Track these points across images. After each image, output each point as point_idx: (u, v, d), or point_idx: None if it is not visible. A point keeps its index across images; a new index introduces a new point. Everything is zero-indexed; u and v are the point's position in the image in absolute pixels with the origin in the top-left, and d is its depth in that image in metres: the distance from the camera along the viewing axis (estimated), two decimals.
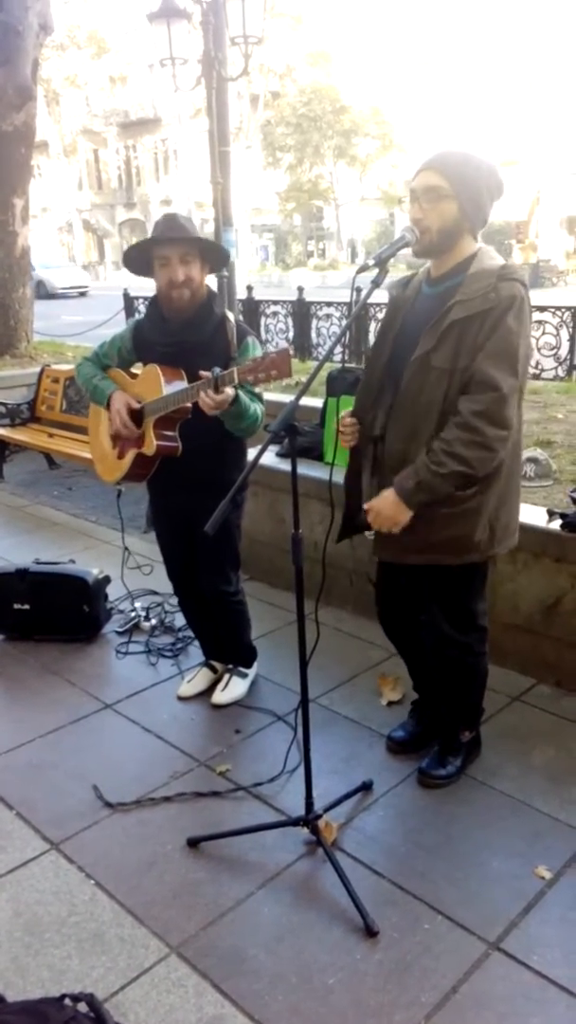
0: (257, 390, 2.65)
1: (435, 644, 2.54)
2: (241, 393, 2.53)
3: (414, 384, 2.19)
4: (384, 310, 2.47)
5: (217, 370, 2.41)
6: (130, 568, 4.04)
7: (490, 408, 2.09)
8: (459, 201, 2.10)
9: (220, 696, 3.13)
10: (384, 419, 2.33)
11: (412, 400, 2.20)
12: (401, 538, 2.27)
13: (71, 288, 27.80)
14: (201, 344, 2.68)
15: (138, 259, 2.73)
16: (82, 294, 27.23)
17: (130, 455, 2.82)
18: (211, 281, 2.93)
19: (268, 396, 4.92)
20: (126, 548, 3.95)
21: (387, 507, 2.22)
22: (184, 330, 2.70)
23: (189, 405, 2.57)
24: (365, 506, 2.30)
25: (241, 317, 7.36)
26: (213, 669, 3.28)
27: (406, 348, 2.26)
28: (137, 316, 3.04)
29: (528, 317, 2.14)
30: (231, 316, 2.76)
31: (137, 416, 2.76)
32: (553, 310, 6.66)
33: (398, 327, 2.32)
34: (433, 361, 2.14)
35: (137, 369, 2.86)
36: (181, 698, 3.19)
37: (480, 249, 2.20)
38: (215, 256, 2.75)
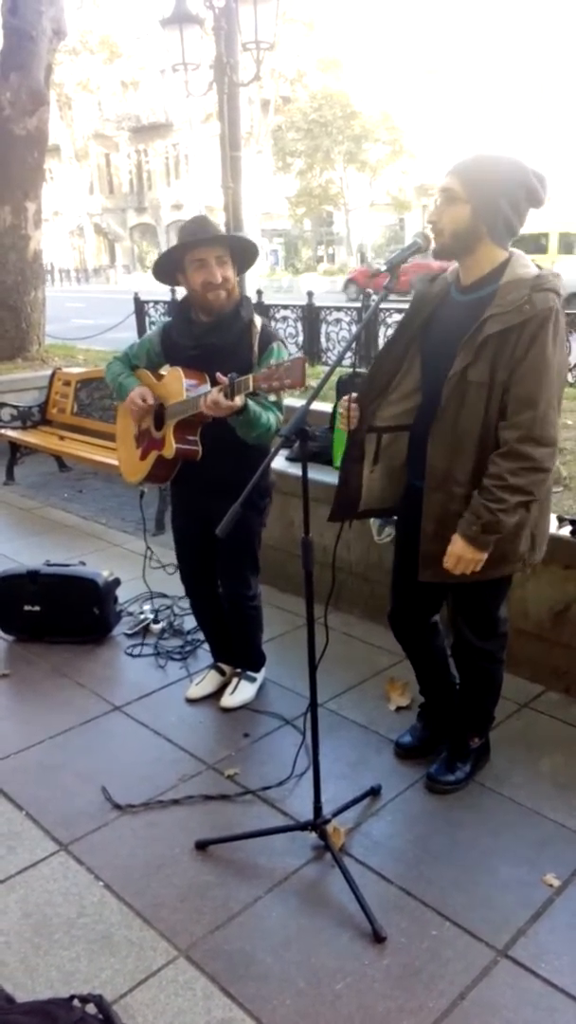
0: (273, 398, 2.65)
1: (457, 651, 2.54)
2: (251, 403, 2.52)
3: (454, 401, 2.14)
4: (393, 314, 2.47)
5: (235, 375, 2.42)
6: (154, 568, 4.04)
7: (532, 430, 2.06)
8: (472, 205, 2.07)
9: (229, 699, 3.13)
10: (391, 416, 2.34)
11: (453, 417, 2.16)
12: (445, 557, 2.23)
13: None
14: (227, 348, 2.68)
15: (168, 266, 2.73)
16: None
17: (151, 457, 2.84)
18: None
19: None
20: (148, 548, 3.95)
21: (466, 553, 2.16)
22: (210, 333, 2.71)
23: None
24: (446, 564, 2.21)
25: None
26: (221, 672, 3.28)
27: (433, 354, 2.25)
28: (166, 319, 3.05)
29: (563, 327, 2.09)
30: (258, 321, 2.75)
31: (159, 418, 2.77)
32: None
33: (420, 327, 2.29)
34: (470, 376, 2.10)
35: (165, 371, 2.88)
36: (189, 700, 3.20)
37: (512, 257, 2.14)
38: (244, 256, 2.75)
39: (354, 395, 2.38)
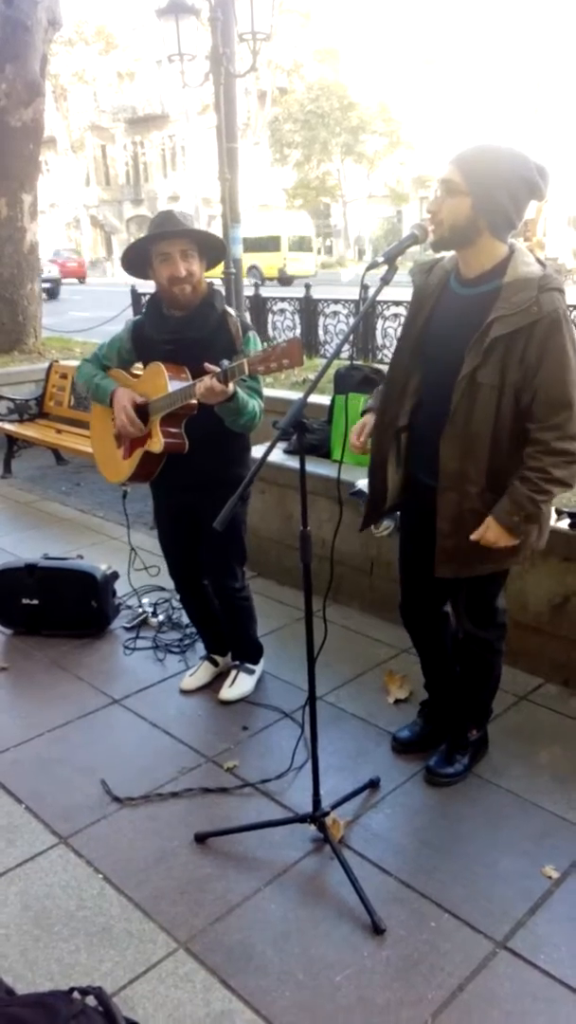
0: (258, 386, 2.65)
1: (457, 642, 2.55)
2: (239, 389, 2.53)
3: (464, 403, 2.14)
4: (391, 307, 2.48)
5: (225, 363, 2.41)
6: (136, 569, 4.04)
7: (569, 428, 2.08)
8: (472, 198, 2.06)
9: (227, 692, 3.14)
10: (410, 411, 2.35)
11: (464, 420, 2.15)
12: (466, 553, 2.26)
13: None
14: (202, 340, 2.67)
15: (136, 260, 2.72)
16: None
17: (137, 454, 2.82)
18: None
19: (276, 393, 4.95)
20: (132, 548, 3.95)
21: (501, 540, 2.18)
22: (185, 327, 2.70)
23: (195, 401, 2.57)
24: (476, 537, 2.21)
25: (248, 314, 7.37)
26: (214, 663, 3.29)
27: (435, 350, 2.24)
28: (136, 316, 3.03)
29: (571, 323, 2.11)
30: (232, 311, 2.76)
31: (142, 414, 2.76)
32: None
33: (423, 323, 2.29)
34: (480, 378, 2.10)
35: (138, 369, 2.86)
36: (183, 691, 3.21)
37: (514, 253, 2.14)
38: (212, 249, 2.74)
39: (368, 406, 2.40)
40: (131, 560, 3.97)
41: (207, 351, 2.59)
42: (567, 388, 2.07)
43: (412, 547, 2.55)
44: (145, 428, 2.75)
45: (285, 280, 21.83)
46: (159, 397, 2.68)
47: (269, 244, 23.47)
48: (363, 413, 2.53)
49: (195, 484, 2.81)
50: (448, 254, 2.28)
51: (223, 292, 2.98)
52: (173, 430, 2.71)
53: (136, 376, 2.85)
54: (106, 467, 3.05)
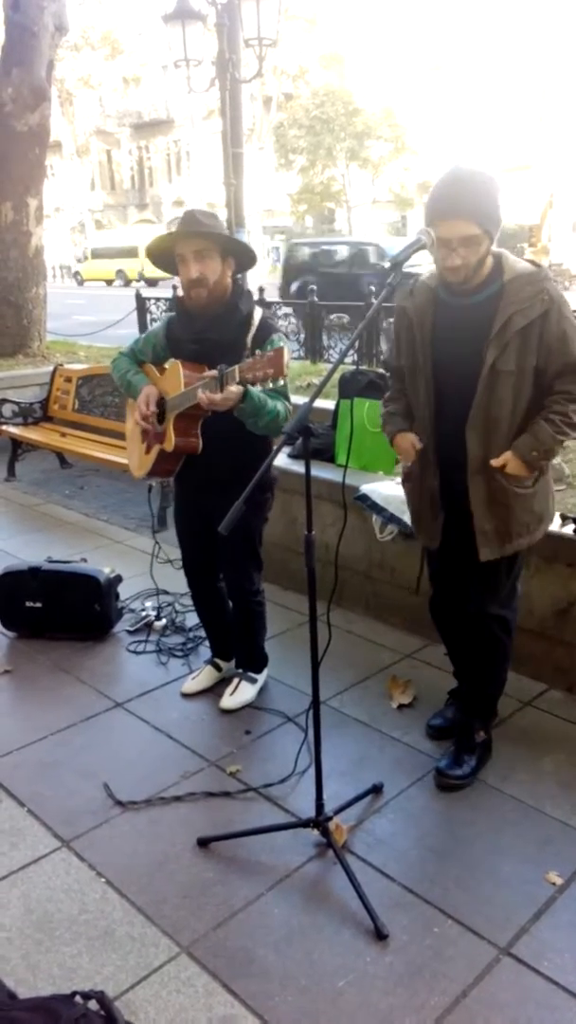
0: (281, 384, 2.61)
1: (474, 623, 2.60)
2: (254, 392, 2.51)
3: (486, 392, 2.30)
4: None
5: (223, 367, 2.41)
6: (159, 563, 4.04)
7: None
8: (490, 236, 2.22)
9: (228, 701, 3.12)
10: (432, 422, 2.47)
11: (486, 407, 2.32)
12: (502, 531, 2.42)
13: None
14: (226, 342, 2.66)
15: (162, 257, 2.73)
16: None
17: (154, 451, 2.84)
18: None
19: None
20: (157, 543, 3.95)
21: (519, 471, 2.35)
22: (209, 327, 2.70)
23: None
24: (497, 463, 2.35)
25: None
26: (217, 668, 3.28)
27: (447, 355, 2.37)
28: (171, 312, 3.05)
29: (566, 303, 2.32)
30: (258, 315, 2.74)
31: (161, 412, 2.77)
32: None
33: (429, 338, 2.40)
34: (499, 366, 2.26)
35: (168, 365, 2.87)
36: (184, 694, 3.21)
37: (501, 255, 2.31)
38: (239, 253, 2.71)
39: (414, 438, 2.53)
40: (154, 554, 3.96)
41: (229, 353, 2.59)
42: None
43: (443, 546, 2.61)
44: (161, 426, 2.77)
45: (151, 282, 25.80)
46: (173, 396, 2.69)
47: (133, 252, 30.14)
48: (391, 438, 2.63)
49: (212, 485, 2.80)
50: (425, 271, 2.44)
51: (252, 293, 2.97)
52: (189, 430, 2.71)
53: (164, 372, 2.85)
54: (132, 460, 3.10)
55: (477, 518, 2.42)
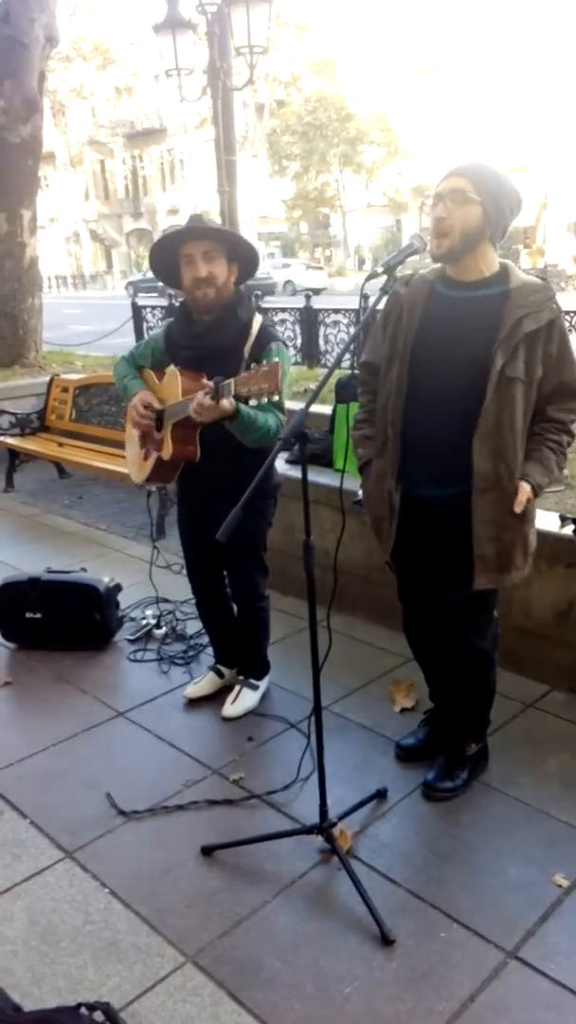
0: (276, 399, 2.62)
1: (452, 656, 2.53)
2: (243, 407, 2.48)
3: (496, 400, 2.16)
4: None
5: (220, 378, 2.39)
6: (159, 566, 4.04)
7: None
8: (484, 207, 2.12)
9: (230, 709, 3.11)
10: (402, 418, 2.30)
11: (496, 417, 2.17)
12: (502, 559, 2.27)
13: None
14: (224, 348, 2.66)
15: (164, 264, 2.72)
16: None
17: (152, 458, 2.84)
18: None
19: None
20: (155, 548, 3.95)
21: (525, 498, 2.25)
22: (209, 334, 2.69)
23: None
24: (520, 507, 2.23)
25: None
26: (220, 674, 3.28)
27: (436, 350, 2.23)
28: (171, 318, 3.04)
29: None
30: (258, 322, 2.73)
31: (160, 419, 2.77)
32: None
33: (415, 330, 2.27)
34: (508, 372, 2.15)
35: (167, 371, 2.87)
36: (186, 698, 3.20)
37: (508, 266, 2.26)
38: (244, 257, 2.71)
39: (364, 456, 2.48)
40: (152, 559, 3.96)
41: (227, 360, 2.58)
42: None
43: (409, 564, 2.52)
44: (159, 433, 2.77)
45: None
46: (171, 404, 2.69)
47: None
48: (364, 463, 2.49)
49: (211, 492, 2.79)
50: (432, 265, 2.32)
51: (252, 300, 2.97)
52: (184, 438, 2.70)
53: (163, 377, 2.84)
54: (132, 466, 3.10)
55: (478, 540, 2.24)
